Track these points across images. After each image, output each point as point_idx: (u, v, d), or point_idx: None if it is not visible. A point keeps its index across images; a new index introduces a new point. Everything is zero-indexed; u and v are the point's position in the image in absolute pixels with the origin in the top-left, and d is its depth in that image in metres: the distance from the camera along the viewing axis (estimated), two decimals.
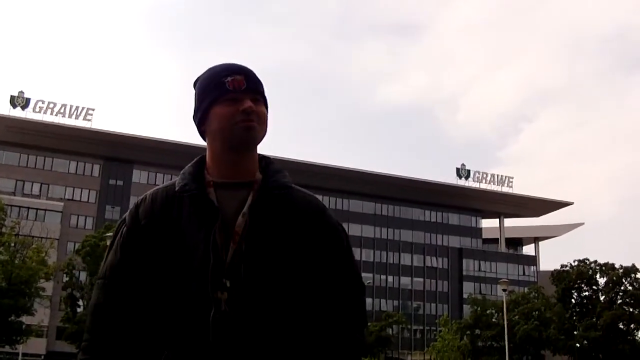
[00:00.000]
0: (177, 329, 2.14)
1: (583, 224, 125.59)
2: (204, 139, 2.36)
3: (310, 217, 2.30)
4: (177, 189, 2.27)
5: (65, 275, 64.36)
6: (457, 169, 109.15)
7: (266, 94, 2.37)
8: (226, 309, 2.11)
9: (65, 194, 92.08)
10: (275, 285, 2.17)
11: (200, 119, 2.33)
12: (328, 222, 2.35)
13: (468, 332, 71.62)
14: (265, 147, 2.38)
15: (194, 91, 2.38)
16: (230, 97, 2.25)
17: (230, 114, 2.23)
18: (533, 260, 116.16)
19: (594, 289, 63.79)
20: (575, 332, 61.93)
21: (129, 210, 2.35)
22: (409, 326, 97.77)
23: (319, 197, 2.44)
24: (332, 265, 2.29)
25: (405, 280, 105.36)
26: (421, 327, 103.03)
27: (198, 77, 2.38)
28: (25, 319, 51.40)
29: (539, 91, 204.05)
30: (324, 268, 2.27)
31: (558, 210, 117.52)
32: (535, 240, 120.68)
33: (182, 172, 2.33)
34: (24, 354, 63.23)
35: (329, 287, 2.27)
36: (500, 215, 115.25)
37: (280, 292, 2.18)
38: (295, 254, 2.23)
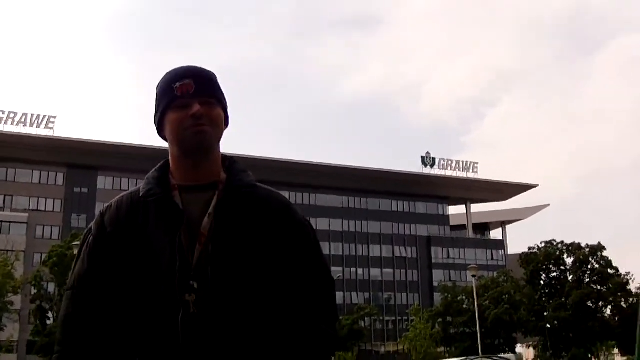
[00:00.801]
0: (147, 334, 2.14)
1: (548, 205, 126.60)
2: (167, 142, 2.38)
3: (276, 214, 2.30)
4: (141, 194, 2.27)
5: (33, 287, 63.66)
6: (422, 157, 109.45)
7: (222, 94, 2.37)
8: (194, 310, 2.11)
9: (29, 204, 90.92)
10: (243, 285, 2.17)
11: (158, 125, 2.35)
12: (294, 217, 2.34)
13: (440, 319, 71.95)
14: (229, 146, 2.40)
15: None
16: (180, 103, 2.25)
17: (180, 120, 2.24)
18: (501, 244, 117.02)
19: (561, 270, 64.48)
20: (545, 314, 62.54)
21: (94, 219, 2.35)
22: (381, 317, 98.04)
23: (285, 193, 2.46)
24: (300, 261, 2.29)
25: (375, 272, 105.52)
26: (393, 318, 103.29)
27: (159, 82, 2.38)
28: None
29: (498, 75, 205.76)
30: (292, 264, 2.27)
31: (524, 193, 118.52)
32: (502, 224, 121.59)
33: (146, 177, 2.34)
34: None
35: (298, 283, 2.26)
36: (466, 201, 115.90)
37: (248, 291, 2.18)
38: (262, 252, 2.22)
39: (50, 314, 61.62)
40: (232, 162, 2.39)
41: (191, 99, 2.25)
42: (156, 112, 2.34)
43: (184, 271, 2.14)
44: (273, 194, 2.38)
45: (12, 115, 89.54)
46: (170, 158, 2.36)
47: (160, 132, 2.36)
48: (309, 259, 2.33)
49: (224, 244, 2.19)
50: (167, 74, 2.35)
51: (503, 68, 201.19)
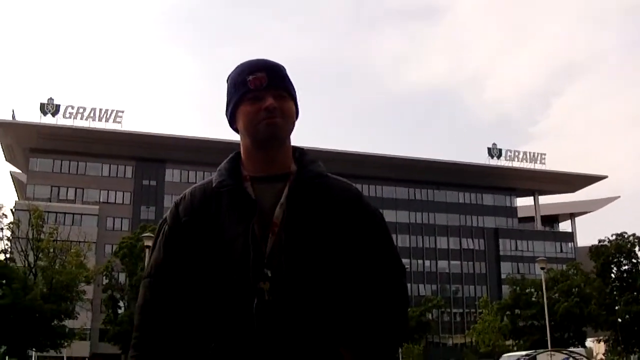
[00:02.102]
0: (222, 321, 2.19)
1: (619, 197, 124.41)
2: (239, 135, 2.42)
3: (347, 204, 2.34)
4: (214, 185, 2.33)
5: (104, 277, 64.99)
6: (489, 149, 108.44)
7: (293, 87, 2.40)
8: (269, 298, 2.16)
9: (100, 197, 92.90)
10: (315, 273, 2.21)
11: (230, 117, 2.40)
12: (365, 207, 2.38)
13: (508, 312, 71.21)
14: (295, 138, 2.43)
15: (226, 87, 2.44)
16: (253, 95, 2.30)
17: (253, 113, 2.29)
18: (570, 236, 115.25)
19: (633, 263, 62.98)
20: (616, 307, 61.22)
21: (169, 209, 2.42)
22: (449, 310, 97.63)
23: (363, 194, 2.48)
24: (371, 250, 2.33)
25: (442, 264, 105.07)
26: (461, 310, 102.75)
27: (229, 74, 2.43)
28: (68, 323, 51.96)
29: (564, 64, 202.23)
30: (363, 253, 2.31)
31: (593, 185, 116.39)
32: (571, 216, 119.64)
33: (218, 168, 2.39)
34: (68, 358, 63.96)
35: (369, 271, 2.31)
36: (534, 192, 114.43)
37: (321, 279, 2.22)
38: (333, 241, 2.26)
39: (121, 304, 62.81)
40: (303, 153, 2.44)
41: (264, 91, 2.30)
42: (228, 104, 2.39)
43: (257, 260, 2.18)
44: (344, 184, 2.43)
45: (81, 110, 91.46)
46: (241, 149, 2.41)
47: (232, 124, 2.41)
48: (380, 248, 2.37)
49: (297, 233, 2.22)
50: (239, 66, 2.40)
51: (568, 56, 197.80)
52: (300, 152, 2.43)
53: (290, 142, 2.40)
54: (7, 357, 49.04)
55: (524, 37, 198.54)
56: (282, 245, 2.20)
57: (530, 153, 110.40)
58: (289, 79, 2.39)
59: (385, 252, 2.38)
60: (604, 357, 57.83)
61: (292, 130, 2.37)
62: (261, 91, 2.29)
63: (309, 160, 2.40)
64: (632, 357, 62.97)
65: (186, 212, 2.33)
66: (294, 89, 2.40)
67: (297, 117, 2.40)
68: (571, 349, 43.43)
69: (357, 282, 2.29)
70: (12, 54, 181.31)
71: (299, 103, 2.42)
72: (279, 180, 2.31)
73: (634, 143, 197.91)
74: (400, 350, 67.67)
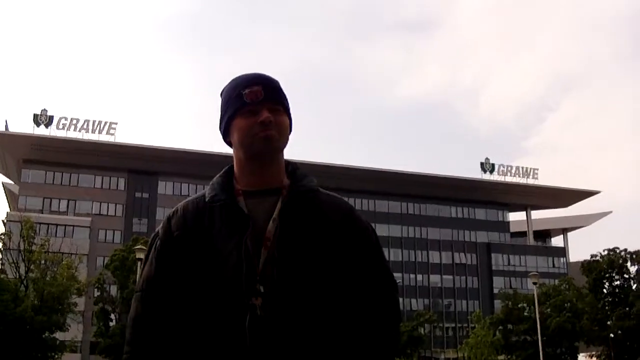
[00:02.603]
0: (215, 336, 2.17)
1: (611, 212, 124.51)
2: (232, 148, 2.41)
3: (339, 219, 2.34)
4: (207, 199, 2.32)
5: (96, 290, 64.80)
6: (482, 163, 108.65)
7: (287, 102, 2.41)
8: (261, 313, 2.15)
9: (92, 208, 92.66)
10: (308, 288, 2.20)
11: (224, 131, 2.39)
12: (357, 222, 2.38)
13: (500, 327, 71.25)
14: (288, 150, 2.43)
15: (220, 101, 2.44)
16: (248, 109, 2.29)
17: (249, 126, 2.28)
18: (562, 251, 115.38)
19: (625, 278, 63.16)
20: (608, 322, 61.34)
21: (161, 224, 2.40)
22: (441, 324, 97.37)
23: (355, 208, 2.48)
24: (363, 264, 2.32)
25: (434, 278, 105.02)
26: (453, 325, 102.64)
27: (223, 88, 2.43)
28: (59, 335, 51.80)
29: (558, 78, 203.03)
30: (355, 268, 2.30)
31: (585, 200, 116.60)
32: (564, 231, 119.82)
33: (211, 182, 2.39)
34: None
35: (362, 286, 2.30)
36: (527, 207, 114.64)
37: (313, 294, 2.21)
38: (326, 256, 2.25)
39: (112, 316, 62.61)
40: (295, 168, 2.43)
41: (260, 105, 2.30)
42: (222, 117, 2.39)
43: (250, 275, 2.17)
44: (336, 199, 2.43)
45: (74, 122, 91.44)
46: (235, 163, 2.41)
47: (226, 137, 2.41)
48: (372, 262, 2.36)
49: (289, 248, 2.22)
50: (234, 80, 2.40)
51: (563, 71, 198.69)
52: (293, 166, 2.43)
53: (283, 157, 2.40)
54: None
55: (519, 50, 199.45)
56: (274, 260, 2.19)
57: (522, 168, 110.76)
58: (283, 93, 2.40)
59: (377, 267, 2.37)
60: None
61: (286, 144, 2.37)
62: (257, 105, 2.29)
63: (302, 174, 2.40)
64: None
65: (178, 227, 2.32)
66: (288, 103, 2.41)
67: (290, 132, 2.41)
68: None
69: (349, 298, 2.28)
70: (5, 64, 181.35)
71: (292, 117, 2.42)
72: (272, 194, 2.31)
73: (627, 158, 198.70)
74: None
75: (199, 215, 2.31)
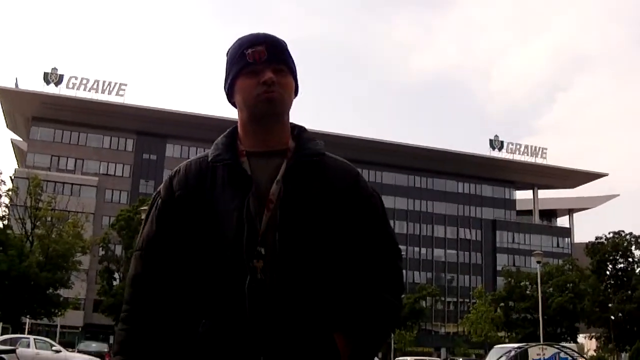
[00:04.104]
0: (214, 298, 2.15)
1: (618, 195, 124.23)
2: (236, 109, 2.37)
3: (344, 184, 2.29)
4: (210, 159, 2.28)
5: (101, 249, 65.23)
6: (491, 140, 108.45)
7: (293, 63, 2.35)
8: (262, 276, 2.12)
9: (99, 168, 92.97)
10: (310, 252, 2.17)
11: (228, 91, 2.35)
12: (362, 188, 2.34)
13: (502, 304, 71.53)
14: (297, 120, 2.38)
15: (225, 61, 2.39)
16: (252, 69, 2.25)
17: (252, 86, 2.24)
18: (567, 232, 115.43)
19: (629, 261, 63.16)
20: (609, 305, 61.43)
21: (163, 182, 2.37)
22: (443, 298, 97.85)
23: (361, 174, 2.43)
24: (367, 230, 2.29)
25: (438, 253, 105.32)
26: (454, 300, 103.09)
27: (229, 48, 2.37)
28: (63, 292, 52.23)
29: (573, 58, 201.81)
30: (358, 234, 2.27)
31: (593, 182, 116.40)
32: (570, 212, 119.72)
33: (215, 142, 2.34)
34: (62, 326, 64.25)
35: (364, 252, 2.27)
36: (534, 186, 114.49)
37: (315, 259, 2.18)
38: (329, 220, 2.21)
39: (116, 275, 63.09)
40: (301, 131, 2.38)
41: (263, 65, 2.25)
42: (226, 77, 2.34)
43: (251, 237, 2.14)
44: (342, 163, 2.38)
45: (84, 82, 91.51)
46: (239, 124, 2.36)
47: (230, 97, 2.36)
48: (376, 229, 2.32)
49: (292, 211, 2.17)
50: (239, 40, 2.34)
51: (577, 51, 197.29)
52: (299, 129, 2.38)
53: (288, 119, 2.35)
54: (1, 324, 49.23)
55: (534, 30, 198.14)
56: (276, 223, 2.15)
57: (531, 147, 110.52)
58: (289, 54, 2.34)
59: (381, 233, 2.33)
60: (595, 354, 57.99)
61: (290, 105, 2.32)
62: (260, 65, 2.24)
63: (308, 137, 2.35)
64: (623, 355, 63.18)
65: (180, 186, 2.28)
66: (294, 64, 2.35)
67: (296, 94, 2.36)
68: (563, 344, 43.48)
69: (351, 263, 2.25)
70: (17, 22, 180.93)
71: (299, 80, 2.37)
72: (276, 156, 2.27)
73: (637, 142, 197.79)
74: (393, 336, 68.01)
75: (201, 175, 2.27)
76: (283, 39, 2.37)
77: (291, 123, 2.37)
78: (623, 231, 63.74)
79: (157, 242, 2.26)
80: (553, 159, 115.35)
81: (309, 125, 2.40)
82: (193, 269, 2.20)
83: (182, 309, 2.21)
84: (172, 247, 2.24)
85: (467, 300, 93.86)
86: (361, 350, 2.20)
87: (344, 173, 2.33)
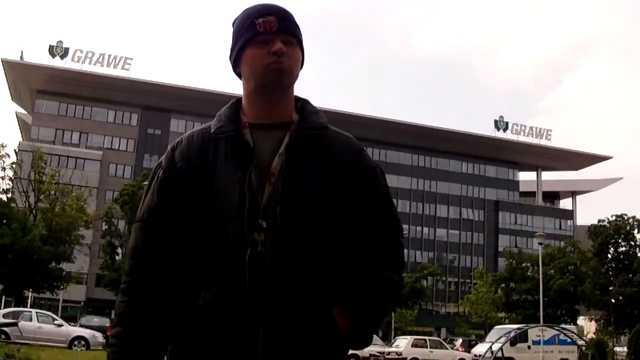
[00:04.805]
0: (214, 271, 2.15)
1: (622, 178, 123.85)
2: (241, 80, 2.35)
3: (347, 157, 2.29)
4: (212, 130, 2.27)
5: (104, 223, 65.37)
6: (495, 121, 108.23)
7: (301, 35, 2.34)
8: (262, 250, 2.11)
9: (104, 142, 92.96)
10: (311, 226, 2.16)
11: (235, 61, 2.33)
12: (365, 162, 2.34)
13: (503, 285, 71.63)
14: (300, 94, 2.37)
15: (232, 31, 2.37)
16: (261, 39, 2.23)
17: (261, 56, 2.22)
18: (570, 214, 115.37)
19: (631, 245, 63.04)
20: (610, 288, 61.38)
21: (165, 154, 2.35)
22: (444, 278, 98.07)
23: (364, 149, 2.42)
24: (368, 205, 2.29)
25: (440, 232, 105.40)
26: (456, 280, 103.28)
27: (236, 18, 2.36)
28: (65, 266, 52.35)
29: (579, 40, 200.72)
30: (360, 208, 2.27)
31: (597, 164, 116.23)
32: (573, 194, 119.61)
33: (218, 114, 2.33)
34: (64, 300, 64.57)
35: (366, 227, 2.27)
36: (537, 168, 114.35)
37: (316, 232, 2.17)
38: (331, 194, 2.21)
39: (119, 250, 63.26)
40: (305, 103, 2.38)
41: (273, 35, 2.23)
42: (234, 46, 2.32)
43: (253, 210, 2.13)
44: (345, 137, 2.37)
45: (90, 55, 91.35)
46: (243, 95, 2.35)
47: (236, 67, 2.35)
48: (377, 204, 2.32)
49: (294, 184, 2.17)
50: (247, 9, 2.33)
51: (585, 33, 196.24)
52: (303, 102, 2.37)
53: (293, 91, 2.34)
54: (3, 297, 49.43)
55: (540, 10, 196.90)
56: (278, 196, 2.15)
57: (536, 128, 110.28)
58: (297, 26, 2.33)
59: (383, 210, 2.33)
60: (594, 336, 58.16)
61: (297, 77, 2.31)
62: (270, 35, 2.23)
63: (311, 110, 2.34)
64: (622, 337, 63.31)
65: (182, 157, 2.26)
66: (301, 36, 2.34)
67: (302, 66, 2.35)
68: (562, 325, 43.66)
69: (352, 238, 2.25)
70: None
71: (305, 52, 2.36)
72: (279, 128, 2.26)
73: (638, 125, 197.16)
74: (393, 315, 68.21)
75: (203, 147, 2.26)
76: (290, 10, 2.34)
77: (295, 96, 2.37)
78: (626, 214, 63.62)
79: (158, 213, 2.24)
80: (558, 141, 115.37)
81: (313, 102, 2.40)
82: (194, 241, 2.19)
83: (183, 282, 2.20)
84: (173, 219, 2.22)
85: (468, 280, 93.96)
86: (361, 325, 2.21)
87: (346, 147, 2.32)
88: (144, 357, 2.16)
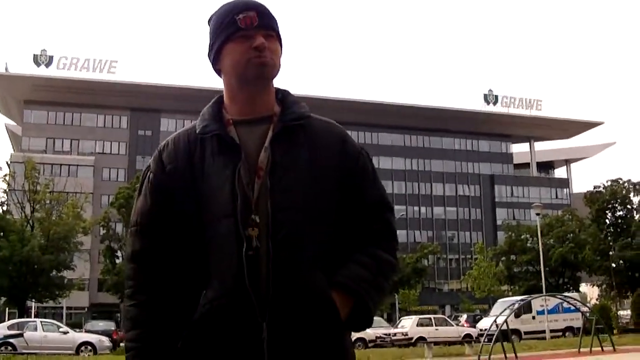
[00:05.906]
0: (213, 268, 2.17)
1: (614, 143, 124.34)
2: (220, 77, 2.37)
3: (332, 144, 2.31)
4: (197, 130, 2.29)
5: (102, 228, 65.24)
6: (485, 95, 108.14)
7: (279, 29, 2.36)
8: (257, 244, 2.13)
9: (95, 147, 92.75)
10: (302, 216, 2.18)
11: (214, 57, 2.34)
12: (350, 146, 2.36)
13: (503, 258, 71.70)
14: (287, 86, 2.40)
15: (208, 28, 2.38)
16: (242, 34, 2.24)
17: (243, 52, 2.23)
18: (565, 182, 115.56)
19: (628, 209, 63.18)
20: (610, 253, 61.51)
21: (153, 157, 2.37)
22: (445, 256, 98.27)
23: (347, 132, 2.46)
24: (357, 188, 2.31)
25: (438, 211, 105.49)
26: (456, 256, 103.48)
27: (212, 15, 2.38)
28: (67, 274, 52.32)
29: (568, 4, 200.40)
30: (349, 193, 2.29)
31: (589, 131, 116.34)
32: (567, 162, 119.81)
33: (201, 113, 2.35)
34: (68, 308, 64.58)
35: (357, 210, 2.30)
36: (530, 139, 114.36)
37: (308, 222, 2.19)
38: (320, 182, 2.23)
39: (119, 254, 63.12)
40: (286, 94, 2.39)
41: (254, 31, 2.25)
42: (213, 43, 2.33)
43: (245, 206, 2.15)
44: (328, 124, 2.39)
45: (74, 61, 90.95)
46: (225, 92, 2.36)
47: (216, 64, 2.36)
48: (365, 186, 2.34)
49: (282, 177, 2.19)
50: (225, 5, 2.34)
51: None
52: (283, 93, 2.39)
53: (273, 85, 2.36)
54: (7, 309, 49.42)
55: None
56: (267, 190, 2.17)
57: (526, 99, 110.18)
58: (275, 19, 2.35)
59: (372, 191, 2.36)
60: (597, 302, 58.31)
61: (279, 70, 2.32)
62: (251, 30, 2.25)
63: (292, 100, 2.36)
64: (625, 302, 63.58)
65: (170, 159, 2.29)
66: (279, 29, 2.36)
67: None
68: (565, 294, 43.75)
69: (343, 223, 2.28)
70: (3, 5, 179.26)
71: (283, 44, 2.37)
72: (263, 122, 2.27)
73: (629, 89, 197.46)
74: (397, 296, 68.37)
75: (190, 147, 2.28)
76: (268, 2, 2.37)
77: (275, 87, 2.38)
78: (621, 179, 63.76)
79: (152, 216, 2.27)
80: (548, 110, 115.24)
81: (299, 90, 2.41)
82: (190, 241, 2.21)
83: (184, 281, 2.22)
84: (167, 220, 2.24)
85: (469, 256, 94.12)
86: (360, 307, 2.23)
87: (330, 134, 2.34)
88: (163, 356, 2.20)
